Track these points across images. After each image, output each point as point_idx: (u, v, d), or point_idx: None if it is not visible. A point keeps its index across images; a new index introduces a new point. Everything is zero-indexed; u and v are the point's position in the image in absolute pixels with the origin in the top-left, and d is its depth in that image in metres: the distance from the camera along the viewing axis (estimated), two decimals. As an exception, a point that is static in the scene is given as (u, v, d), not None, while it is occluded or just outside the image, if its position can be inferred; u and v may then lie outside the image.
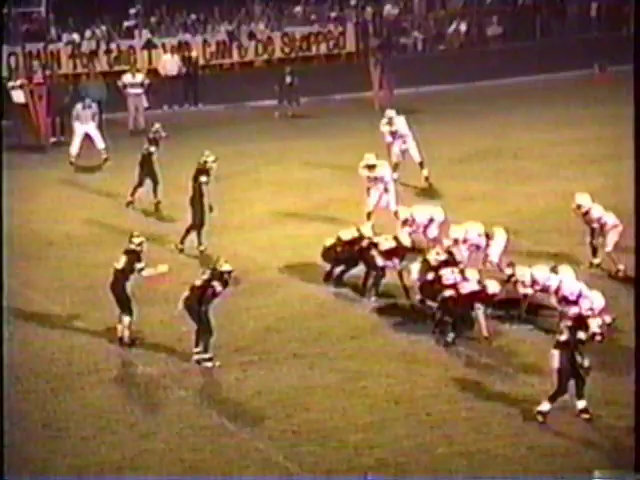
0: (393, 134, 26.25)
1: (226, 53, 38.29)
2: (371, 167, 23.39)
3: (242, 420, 16.29)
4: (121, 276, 18.65)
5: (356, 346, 18.37)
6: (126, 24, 38.43)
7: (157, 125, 25.72)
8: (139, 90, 32.93)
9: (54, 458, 15.19)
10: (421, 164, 26.13)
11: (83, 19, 37.64)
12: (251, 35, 38.62)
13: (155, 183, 25.13)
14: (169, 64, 36.14)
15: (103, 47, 37.23)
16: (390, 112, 26.78)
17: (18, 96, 31.95)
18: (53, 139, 31.93)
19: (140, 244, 18.84)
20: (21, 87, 32.09)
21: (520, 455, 14.94)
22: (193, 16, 39.06)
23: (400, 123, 26.48)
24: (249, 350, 18.36)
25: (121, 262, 18.72)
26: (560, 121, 31.55)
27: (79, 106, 29.48)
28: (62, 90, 33.08)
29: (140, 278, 18.78)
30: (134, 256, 18.74)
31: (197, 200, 22.21)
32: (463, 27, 39.82)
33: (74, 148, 29.18)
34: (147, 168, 25.06)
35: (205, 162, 22.45)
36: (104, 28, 37.89)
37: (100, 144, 29.21)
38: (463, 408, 16.26)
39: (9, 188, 26.97)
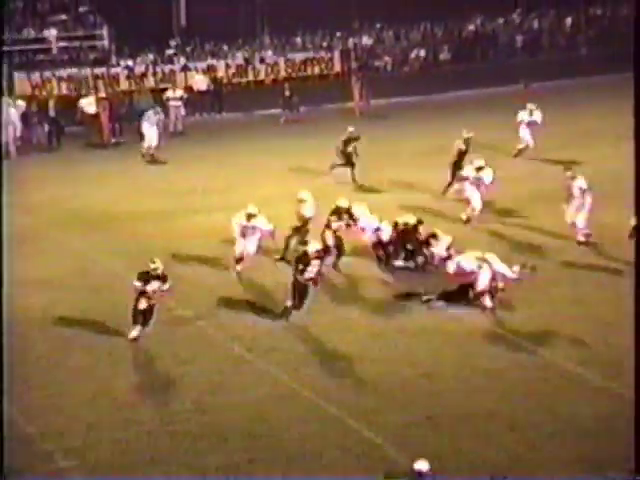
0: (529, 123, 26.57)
1: (243, 74, 38.21)
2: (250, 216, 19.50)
3: (256, 351, 16.25)
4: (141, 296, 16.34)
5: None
6: (168, 52, 38.29)
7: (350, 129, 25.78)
8: (178, 103, 32.91)
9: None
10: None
11: (136, 49, 37.57)
12: (262, 60, 38.58)
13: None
14: (200, 82, 36.20)
15: (151, 70, 37.09)
16: (531, 105, 27.19)
17: (89, 108, 32.05)
18: (113, 140, 31.92)
19: (156, 269, 16.43)
20: (91, 101, 32.21)
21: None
22: (219, 46, 38.91)
23: (537, 115, 26.85)
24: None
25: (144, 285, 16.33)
26: (495, 123, 31.46)
27: (151, 112, 29.44)
28: (121, 103, 33.18)
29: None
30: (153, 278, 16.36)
31: None
32: (422, 53, 39.74)
33: (147, 142, 28.97)
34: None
35: None
36: (151, 56, 37.77)
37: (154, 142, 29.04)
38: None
39: (81, 177, 27.32)
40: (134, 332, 16.47)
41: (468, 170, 22.24)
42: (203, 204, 24.10)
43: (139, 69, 36.93)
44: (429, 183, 24.95)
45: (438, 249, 18.98)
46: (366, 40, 40.32)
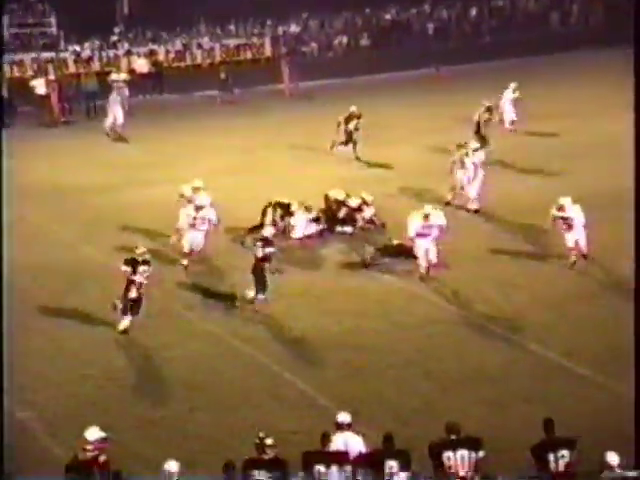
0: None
1: (182, 58, 37.74)
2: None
3: (196, 310, 16.13)
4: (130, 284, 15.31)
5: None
6: (112, 38, 37.74)
7: None
8: (122, 84, 32.37)
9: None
10: None
11: (83, 35, 36.97)
12: (199, 46, 38.17)
13: None
14: (142, 66, 35.75)
15: (97, 55, 36.54)
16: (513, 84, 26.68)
17: (40, 89, 31.57)
18: (62, 119, 31.43)
19: (143, 253, 15.44)
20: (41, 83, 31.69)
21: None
22: (159, 33, 38.45)
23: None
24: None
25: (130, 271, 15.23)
26: (408, 103, 31.62)
27: (115, 93, 28.97)
28: (69, 85, 32.64)
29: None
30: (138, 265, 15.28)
31: None
32: (344, 39, 39.59)
33: (109, 120, 28.57)
34: None
35: None
36: (97, 41, 37.19)
37: (119, 120, 28.60)
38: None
39: (31, 153, 26.83)
40: (125, 322, 15.29)
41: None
42: (148, 178, 23.85)
43: (86, 54, 36.33)
44: (375, 154, 24.89)
45: (367, 213, 19.53)
46: (294, 28, 40.18)
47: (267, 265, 16.13)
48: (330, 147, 24.95)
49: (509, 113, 27.07)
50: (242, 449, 10.94)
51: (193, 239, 17.83)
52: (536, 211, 18.99)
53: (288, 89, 34.86)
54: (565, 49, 37.19)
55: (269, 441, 10.45)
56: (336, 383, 13.97)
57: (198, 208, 17.78)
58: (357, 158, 24.98)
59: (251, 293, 16.17)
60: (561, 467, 10.28)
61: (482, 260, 18.15)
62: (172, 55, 37.65)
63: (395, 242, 18.43)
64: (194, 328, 15.59)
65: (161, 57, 36.83)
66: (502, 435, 11.88)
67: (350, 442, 10.67)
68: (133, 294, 15.24)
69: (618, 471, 10.01)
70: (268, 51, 38.71)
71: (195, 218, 17.73)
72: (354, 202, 19.99)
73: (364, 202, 20.00)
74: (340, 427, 10.81)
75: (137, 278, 15.23)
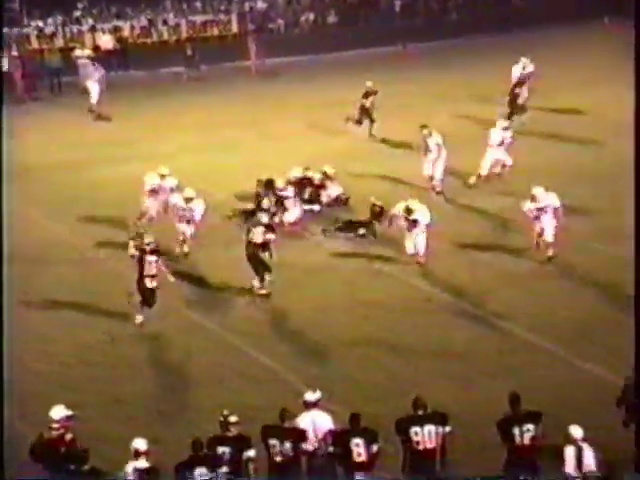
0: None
1: (147, 35, 37.45)
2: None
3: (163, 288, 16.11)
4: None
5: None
6: (76, 14, 37.33)
7: None
8: (86, 60, 32.08)
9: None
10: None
11: (46, 11, 36.55)
12: (164, 22, 37.88)
13: None
14: (106, 42, 35.44)
15: (60, 31, 36.18)
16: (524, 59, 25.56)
17: (4, 65, 31.34)
18: (26, 95, 31.16)
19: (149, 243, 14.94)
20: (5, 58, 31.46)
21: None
22: (124, 8, 38.12)
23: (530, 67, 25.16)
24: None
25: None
26: (376, 80, 31.55)
27: (92, 68, 28.84)
28: (32, 61, 32.35)
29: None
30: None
31: None
32: (311, 16, 39.48)
33: (94, 98, 28.37)
34: None
35: None
36: (60, 18, 36.79)
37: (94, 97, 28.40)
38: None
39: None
40: (140, 316, 14.93)
41: (497, 133, 20.92)
42: (115, 155, 23.71)
43: (49, 30, 35.95)
44: (327, 133, 24.82)
45: (332, 190, 19.42)
46: (261, 4, 39.95)
47: (262, 251, 15.84)
48: (345, 120, 24.55)
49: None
50: (209, 427, 10.99)
51: (183, 230, 17.53)
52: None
53: (255, 66, 34.74)
54: (527, 25, 37.16)
55: (233, 418, 10.54)
56: (302, 360, 14.05)
57: (188, 200, 17.41)
58: (371, 135, 24.58)
59: (256, 282, 15.86)
60: (526, 441, 10.44)
61: (448, 239, 18.27)
62: (137, 31, 37.37)
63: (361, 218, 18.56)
64: (162, 308, 15.58)
65: (126, 33, 36.57)
66: (468, 410, 12.02)
67: (318, 420, 10.75)
68: (148, 284, 14.85)
69: (582, 444, 10.16)
70: (235, 28, 38.53)
71: (184, 209, 17.39)
72: (316, 177, 19.94)
73: (326, 176, 19.89)
74: (308, 405, 10.89)
75: (147, 269, 14.80)
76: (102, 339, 14.60)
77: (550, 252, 16.70)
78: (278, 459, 10.45)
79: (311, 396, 10.95)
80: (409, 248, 16.93)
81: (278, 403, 11.62)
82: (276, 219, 18.25)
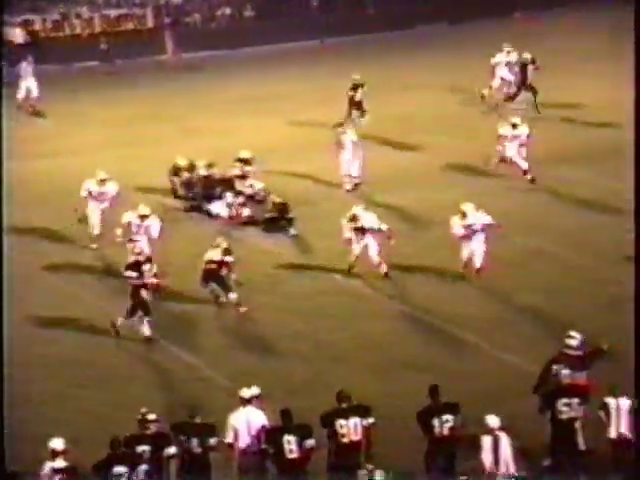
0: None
1: (60, 28, 36.92)
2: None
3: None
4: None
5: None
6: (-14, 7, 36.58)
7: None
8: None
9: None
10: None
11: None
12: (78, 15, 37.38)
13: None
14: (17, 36, 34.89)
15: (-30, 24, 35.41)
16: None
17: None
18: None
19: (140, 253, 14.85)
20: None
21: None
22: (37, 2, 37.52)
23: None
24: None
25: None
26: (295, 74, 31.69)
27: (24, 64, 28.48)
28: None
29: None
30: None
31: None
32: (228, 10, 39.41)
33: (22, 94, 27.96)
34: None
35: None
36: (-30, 10, 36.01)
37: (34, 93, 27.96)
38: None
39: None
40: (146, 330, 14.46)
41: (505, 129, 20.53)
42: (29, 151, 23.31)
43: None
44: (245, 128, 24.90)
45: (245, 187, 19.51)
46: (179, -3, 39.75)
47: (225, 271, 15.40)
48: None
49: (505, 75, 25.95)
50: (130, 425, 10.99)
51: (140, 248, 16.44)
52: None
53: (171, 60, 34.56)
54: (438, 20, 37.54)
55: (151, 416, 10.56)
56: (226, 356, 14.12)
57: (142, 217, 16.79)
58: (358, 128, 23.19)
59: (222, 297, 15.47)
60: (445, 431, 10.72)
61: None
62: (49, 25, 36.82)
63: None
64: (81, 306, 15.48)
65: (37, 27, 35.98)
66: (390, 402, 12.22)
67: (252, 417, 10.83)
68: (144, 295, 14.54)
69: (498, 433, 10.38)
70: (150, 22, 38.24)
71: (139, 226, 16.78)
72: (236, 167, 19.80)
73: (245, 161, 19.65)
74: (243, 402, 10.93)
75: (146, 280, 14.56)
76: (20, 337, 14.45)
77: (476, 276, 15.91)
78: (186, 456, 10.54)
79: (247, 393, 11.00)
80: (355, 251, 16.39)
81: (200, 399, 11.72)
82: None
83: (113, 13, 37.93)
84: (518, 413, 11.51)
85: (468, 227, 15.88)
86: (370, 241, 16.24)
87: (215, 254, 15.38)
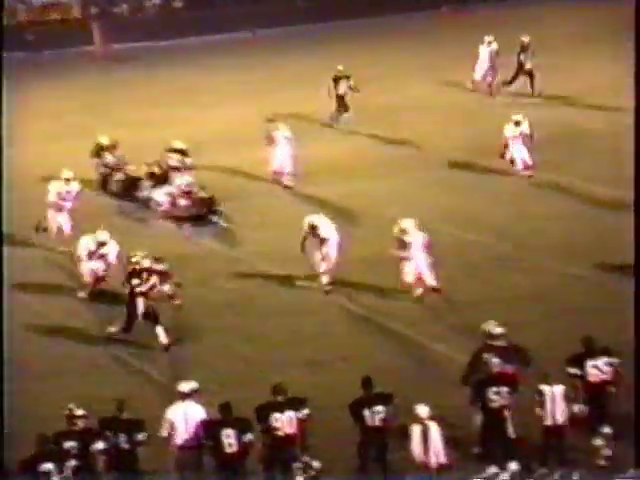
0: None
1: (-17, 18, 36.20)
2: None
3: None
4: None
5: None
6: None
7: None
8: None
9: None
10: None
11: None
12: (1, 5, 36.59)
13: None
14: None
15: None
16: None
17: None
18: None
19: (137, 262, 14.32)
20: None
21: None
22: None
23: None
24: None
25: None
26: (225, 65, 31.66)
27: None
28: None
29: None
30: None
31: None
32: (157, 1, 39.08)
33: None
34: None
35: None
36: None
37: None
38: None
39: None
40: (163, 337, 13.97)
41: (509, 129, 20.11)
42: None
43: None
44: (176, 120, 24.80)
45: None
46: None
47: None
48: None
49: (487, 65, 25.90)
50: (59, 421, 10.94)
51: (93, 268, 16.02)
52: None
53: (99, 51, 34.21)
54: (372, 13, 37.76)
55: (79, 412, 10.54)
56: (157, 350, 14.11)
57: (100, 244, 15.83)
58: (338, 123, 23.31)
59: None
60: (377, 422, 10.87)
61: (295, 225, 18.54)
62: (-30, 15, 36.16)
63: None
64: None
65: (-41, 16, 35.32)
66: (324, 394, 12.33)
67: (190, 411, 10.83)
68: (141, 308, 14.11)
69: (428, 423, 10.54)
70: (77, 11, 37.80)
71: (94, 252, 15.82)
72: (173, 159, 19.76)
73: (181, 152, 19.57)
74: (182, 396, 10.93)
75: (143, 287, 14.14)
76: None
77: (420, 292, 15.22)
78: (114, 451, 10.55)
79: (185, 387, 11.00)
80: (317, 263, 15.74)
81: (135, 394, 11.69)
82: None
83: (38, 2, 37.41)
84: (448, 403, 11.69)
85: (408, 245, 15.05)
86: (330, 250, 15.51)
87: (144, 261, 14.58)
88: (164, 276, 14.60)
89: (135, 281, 14.24)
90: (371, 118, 23.98)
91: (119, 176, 20.29)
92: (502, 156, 20.43)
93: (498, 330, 11.80)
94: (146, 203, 19.65)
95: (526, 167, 20.16)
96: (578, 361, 11.40)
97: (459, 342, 13.47)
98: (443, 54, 30.19)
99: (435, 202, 19.07)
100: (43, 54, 33.38)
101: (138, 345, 14.25)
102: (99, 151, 20.39)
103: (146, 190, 19.69)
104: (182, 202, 19.15)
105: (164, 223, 19.11)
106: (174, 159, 19.90)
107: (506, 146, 20.17)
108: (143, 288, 14.20)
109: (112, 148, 20.35)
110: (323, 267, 15.69)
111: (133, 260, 14.37)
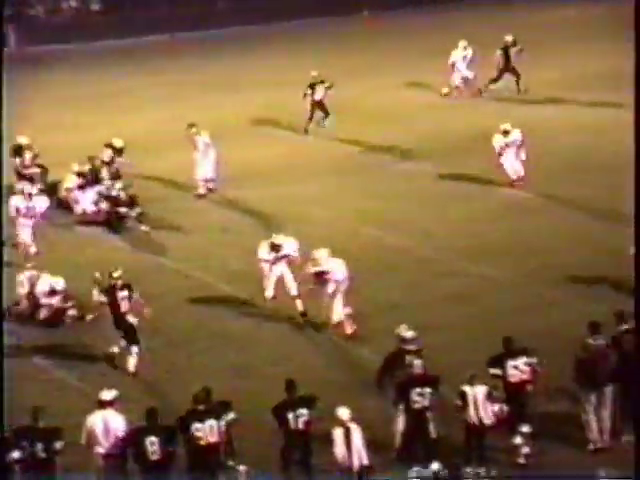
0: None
1: None
2: None
3: None
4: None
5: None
6: None
7: None
8: None
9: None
10: None
11: None
12: None
13: None
14: None
15: None
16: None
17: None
18: None
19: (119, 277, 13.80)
20: None
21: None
22: None
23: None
24: None
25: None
26: (145, 70, 31.43)
27: None
28: None
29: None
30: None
31: None
32: (73, 3, 38.64)
33: None
34: None
35: None
36: None
37: None
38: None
39: None
40: (132, 359, 13.55)
41: (498, 140, 19.40)
42: None
43: None
44: (96, 124, 24.62)
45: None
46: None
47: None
48: (305, 130, 22.82)
49: (464, 72, 25.74)
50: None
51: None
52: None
53: (15, 53, 33.67)
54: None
55: None
56: (76, 358, 14.02)
57: (52, 292, 15.41)
58: (322, 127, 23.11)
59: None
60: (300, 425, 10.93)
61: (214, 230, 18.54)
62: None
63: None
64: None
65: None
66: (250, 398, 12.33)
67: (110, 420, 10.80)
68: (129, 320, 13.65)
69: (349, 425, 10.62)
70: (-11, 14, 37.18)
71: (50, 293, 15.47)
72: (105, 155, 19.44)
73: (117, 150, 19.36)
74: (102, 404, 10.90)
75: (122, 307, 13.67)
76: None
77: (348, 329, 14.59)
78: (30, 460, 10.47)
79: (107, 395, 10.96)
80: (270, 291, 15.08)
81: (53, 402, 11.56)
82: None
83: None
84: (369, 405, 11.81)
85: (321, 275, 14.45)
86: (284, 268, 14.90)
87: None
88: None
89: (122, 294, 13.76)
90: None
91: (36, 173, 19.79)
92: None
93: (409, 334, 11.96)
94: (68, 207, 19.36)
95: (518, 178, 19.33)
96: (499, 362, 11.63)
97: (380, 345, 13.59)
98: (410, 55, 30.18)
99: (357, 206, 19.24)
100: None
101: (61, 354, 14.08)
102: (18, 151, 19.99)
103: (72, 190, 19.31)
104: (104, 206, 18.98)
105: (88, 229, 18.88)
106: (107, 154, 19.58)
107: (500, 154, 19.38)
108: (129, 303, 13.79)
109: (29, 148, 20.04)
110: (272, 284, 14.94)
111: (115, 275, 13.84)
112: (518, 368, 11.56)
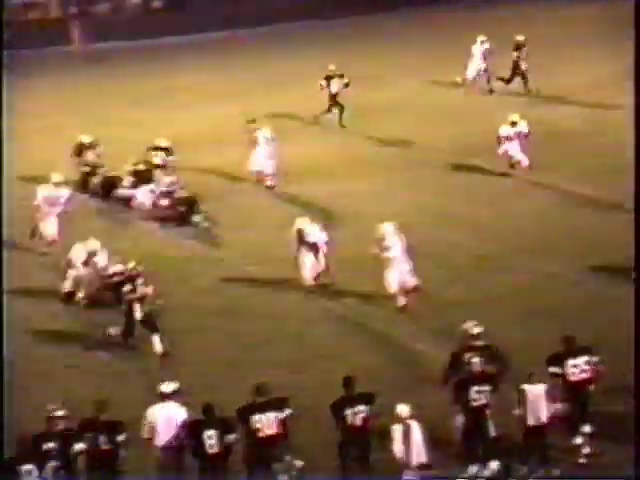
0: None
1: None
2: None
3: None
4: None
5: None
6: None
7: None
8: None
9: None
10: None
11: None
12: (-23, 4, 36.50)
13: None
14: None
15: None
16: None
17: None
18: None
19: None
20: None
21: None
22: None
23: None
24: None
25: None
26: (207, 65, 31.66)
27: None
28: None
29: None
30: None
31: None
32: (137, 1, 39.06)
33: None
34: None
35: None
36: None
37: None
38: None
39: None
40: (158, 346, 13.94)
41: (506, 129, 20.10)
42: None
43: None
44: (157, 120, 24.77)
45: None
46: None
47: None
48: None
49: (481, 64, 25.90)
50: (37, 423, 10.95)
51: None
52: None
53: (79, 51, 34.16)
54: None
55: (59, 413, 10.59)
56: (136, 351, 14.18)
57: (91, 254, 15.80)
58: (342, 126, 23.11)
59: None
60: (358, 422, 10.88)
61: (277, 225, 18.59)
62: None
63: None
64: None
65: None
66: (305, 393, 12.35)
67: (172, 412, 10.86)
68: (138, 314, 14.09)
69: (409, 422, 10.62)
70: (56, 11, 37.73)
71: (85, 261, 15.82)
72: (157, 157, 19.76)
73: (165, 150, 19.65)
74: (163, 397, 10.97)
75: (138, 292, 14.10)
76: None
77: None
78: (94, 452, 10.58)
79: (167, 387, 11.03)
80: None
81: (116, 396, 11.71)
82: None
83: (16, 1, 37.29)
84: (429, 401, 11.77)
85: (388, 249, 14.94)
86: (317, 255, 15.62)
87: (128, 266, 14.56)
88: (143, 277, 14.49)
89: (127, 287, 14.16)
90: (359, 117, 23.91)
91: (100, 175, 20.16)
92: (512, 166, 20.15)
93: (477, 330, 11.89)
94: (127, 203, 19.59)
95: (523, 167, 20.08)
96: (558, 360, 11.50)
97: (440, 342, 13.54)
98: (430, 53, 30.17)
99: (419, 202, 19.14)
100: (21, 53, 33.27)
101: (120, 345, 14.27)
102: (80, 150, 20.28)
103: (128, 189, 19.66)
104: (163, 202, 19.14)
105: (145, 223, 19.11)
106: (158, 156, 19.87)
107: (499, 143, 20.04)
108: (137, 294, 14.12)
109: (93, 147, 20.24)
110: (312, 271, 15.63)
111: (127, 267, 14.27)
112: (578, 367, 11.42)
